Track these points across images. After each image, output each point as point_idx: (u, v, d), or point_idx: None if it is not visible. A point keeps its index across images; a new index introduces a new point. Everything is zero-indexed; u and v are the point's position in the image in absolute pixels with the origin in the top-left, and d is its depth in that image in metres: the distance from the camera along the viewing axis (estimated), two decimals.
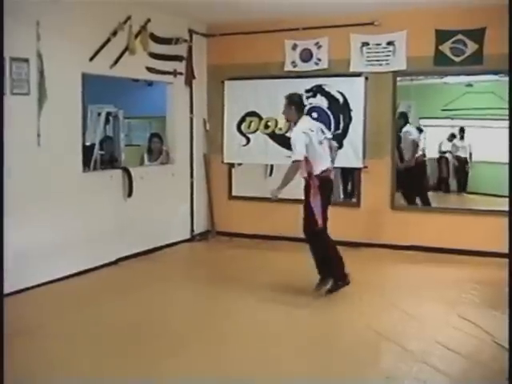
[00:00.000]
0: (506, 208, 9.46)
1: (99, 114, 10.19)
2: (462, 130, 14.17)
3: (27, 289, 7.23)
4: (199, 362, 5.27)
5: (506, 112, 12.56)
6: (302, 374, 5.06)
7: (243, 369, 5.14)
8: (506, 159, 12.94)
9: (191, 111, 10.34)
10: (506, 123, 12.76)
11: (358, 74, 9.61)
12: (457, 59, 9.00)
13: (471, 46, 8.89)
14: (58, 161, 7.71)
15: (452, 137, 14.39)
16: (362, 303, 6.96)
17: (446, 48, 9.04)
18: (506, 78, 9.90)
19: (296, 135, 7.15)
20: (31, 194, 7.32)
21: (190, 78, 10.10)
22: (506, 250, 8.52)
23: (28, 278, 7.28)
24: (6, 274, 6.76)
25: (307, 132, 7.09)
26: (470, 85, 12.44)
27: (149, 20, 9.01)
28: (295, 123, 7.31)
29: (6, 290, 6.84)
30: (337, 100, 9.77)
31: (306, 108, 9.74)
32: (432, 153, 14.13)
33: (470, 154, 14.11)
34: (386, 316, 6.56)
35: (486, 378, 5.02)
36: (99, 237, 8.39)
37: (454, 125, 14.20)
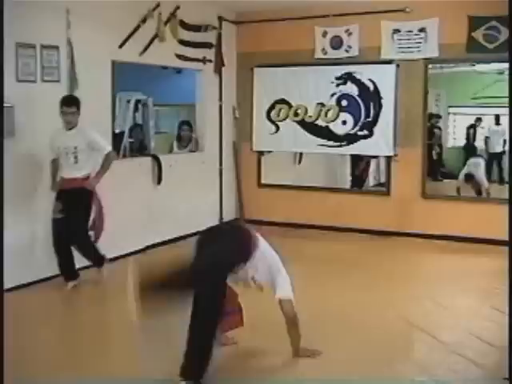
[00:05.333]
0: None
1: (128, 102, 10.20)
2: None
3: (51, 278, 7.24)
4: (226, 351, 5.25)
5: None
6: (334, 362, 5.03)
7: (269, 363, 5.12)
8: None
9: (220, 99, 10.30)
10: None
11: (389, 62, 9.51)
12: (490, 46, 8.88)
13: (505, 33, 8.74)
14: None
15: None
16: (393, 293, 6.90)
17: (479, 35, 8.91)
18: None
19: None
20: None
21: (219, 65, 10.07)
22: None
23: (53, 267, 7.26)
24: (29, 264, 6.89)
25: None
26: (501, 72, 12.26)
27: (178, 7, 8.97)
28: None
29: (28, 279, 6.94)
30: (367, 88, 9.69)
31: (336, 95, 9.79)
32: (461, 141, 13.96)
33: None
34: (418, 306, 6.50)
35: None
36: (128, 224, 8.39)
37: (485, 113, 14.01)
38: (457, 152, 13.84)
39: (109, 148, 7.03)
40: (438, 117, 13.21)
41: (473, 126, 14.02)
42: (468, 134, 14.01)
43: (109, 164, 6.99)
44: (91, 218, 7.22)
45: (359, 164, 11.58)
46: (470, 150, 13.75)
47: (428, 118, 12.38)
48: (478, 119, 13.91)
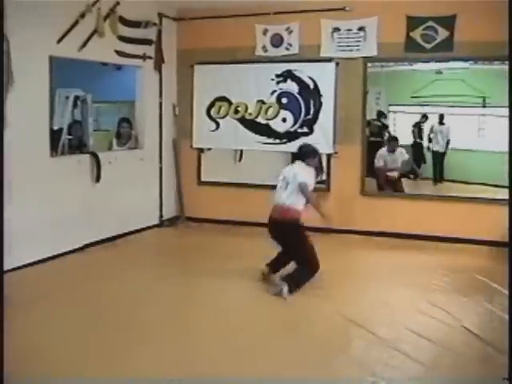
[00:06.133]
0: (476, 195, 9.60)
1: (67, 98, 10.04)
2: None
3: None
4: (167, 350, 5.22)
5: (475, 99, 12.72)
6: (271, 361, 5.04)
7: (211, 357, 5.11)
8: (475, 146, 13.03)
9: (160, 96, 10.24)
10: (475, 110, 12.89)
11: (329, 60, 9.56)
12: (427, 46, 8.99)
13: (442, 33, 8.88)
14: (25, 145, 7.58)
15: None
16: (332, 290, 6.93)
17: (416, 34, 9.02)
18: (476, 66, 9.96)
19: None
20: None
21: (159, 62, 10.00)
22: (476, 237, 8.66)
23: None
24: None
25: None
26: (439, 72, 12.45)
27: (118, 3, 8.87)
28: None
29: None
30: (307, 85, 9.72)
31: (277, 93, 9.81)
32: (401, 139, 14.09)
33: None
34: (357, 302, 6.55)
35: (456, 363, 5.04)
36: (66, 223, 8.30)
37: (424, 112, 14.19)
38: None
39: None
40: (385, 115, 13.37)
41: (418, 124, 14.20)
42: (413, 132, 14.19)
43: None
44: None
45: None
46: (416, 147, 13.96)
47: (377, 116, 12.55)
48: (424, 116, 14.08)
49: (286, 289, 6.59)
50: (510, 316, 4.35)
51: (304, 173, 6.94)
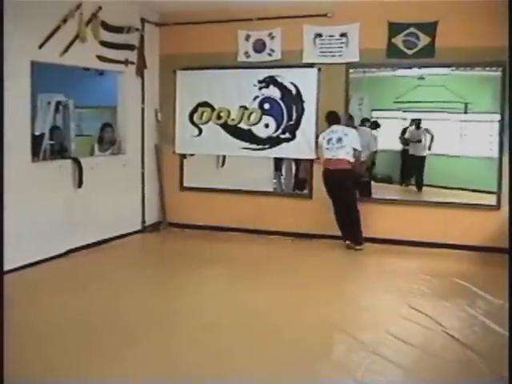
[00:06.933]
0: (456, 200, 9.64)
1: (49, 103, 10.02)
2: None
3: None
4: (151, 355, 5.21)
5: (457, 105, 12.77)
6: (252, 365, 5.03)
7: (195, 359, 5.11)
8: (456, 152, 13.08)
9: (143, 101, 10.22)
10: (457, 116, 12.92)
11: (311, 65, 9.58)
12: (409, 52, 9.03)
13: (423, 39, 8.92)
14: (6, 150, 7.46)
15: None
16: (313, 294, 6.95)
17: (398, 40, 9.06)
18: (457, 72, 10.00)
19: None
20: None
21: (141, 67, 9.97)
22: (457, 242, 8.70)
23: None
24: None
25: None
26: (421, 78, 12.51)
27: (100, 8, 8.85)
28: None
29: None
30: (289, 91, 9.74)
31: (259, 99, 9.81)
32: (384, 144, 14.09)
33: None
34: (338, 307, 6.54)
35: (437, 367, 5.05)
36: (49, 228, 8.27)
37: (407, 117, 14.23)
38: (380, 155, 14.01)
39: None
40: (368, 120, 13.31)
41: (406, 130, 14.22)
42: (401, 139, 14.20)
43: None
44: None
45: (301, 166, 11.56)
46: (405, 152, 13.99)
47: (362, 122, 12.52)
48: (413, 121, 14.10)
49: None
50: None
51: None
